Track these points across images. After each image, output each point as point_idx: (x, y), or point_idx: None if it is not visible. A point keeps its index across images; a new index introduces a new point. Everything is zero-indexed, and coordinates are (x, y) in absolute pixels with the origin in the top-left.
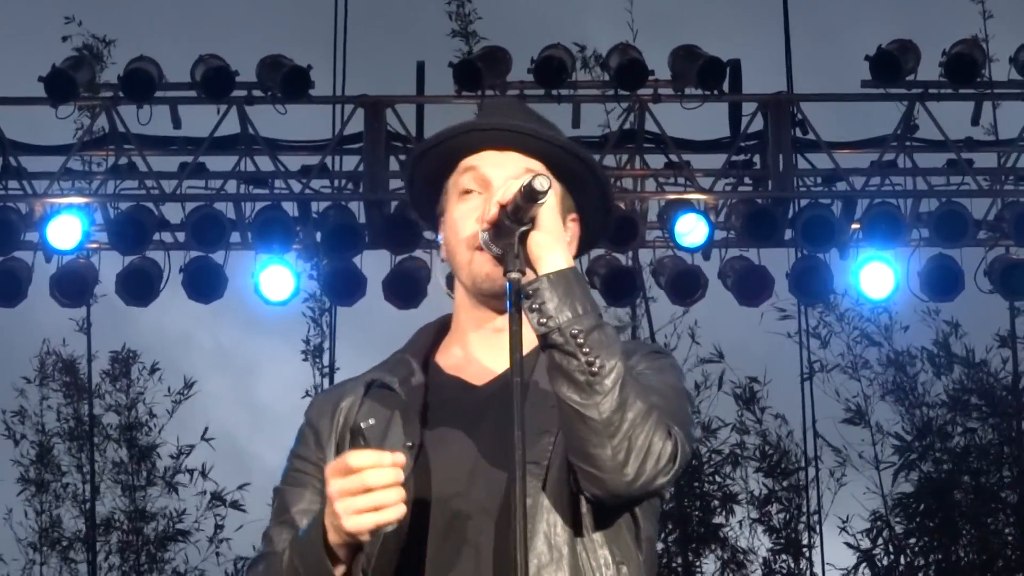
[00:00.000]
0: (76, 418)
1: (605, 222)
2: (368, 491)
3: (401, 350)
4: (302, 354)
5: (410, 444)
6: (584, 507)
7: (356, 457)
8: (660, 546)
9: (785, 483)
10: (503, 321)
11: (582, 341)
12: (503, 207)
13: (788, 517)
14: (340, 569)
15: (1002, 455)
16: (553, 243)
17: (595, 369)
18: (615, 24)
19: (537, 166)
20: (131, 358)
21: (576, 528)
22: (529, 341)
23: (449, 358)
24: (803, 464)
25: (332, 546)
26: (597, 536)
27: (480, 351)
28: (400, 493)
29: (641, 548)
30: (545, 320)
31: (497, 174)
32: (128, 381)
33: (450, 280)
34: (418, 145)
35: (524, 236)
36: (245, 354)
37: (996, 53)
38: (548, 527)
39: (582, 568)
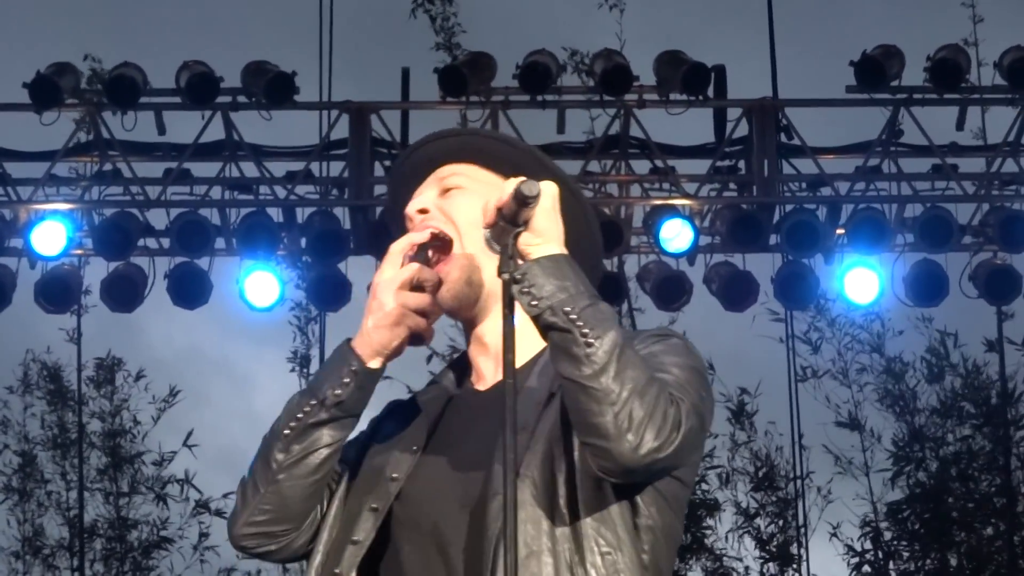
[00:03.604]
0: (60, 426)
1: (573, 210)
2: (419, 287)
3: (445, 367)
4: (289, 363)
5: (415, 448)
6: (563, 500)
7: (397, 243)
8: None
9: (775, 496)
10: (484, 333)
11: (575, 316)
12: (499, 210)
13: (776, 529)
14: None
15: (994, 461)
16: (543, 242)
17: (591, 340)
18: (602, 31)
19: (472, 168)
20: (116, 365)
21: (553, 521)
22: (528, 349)
23: (471, 369)
24: (792, 476)
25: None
26: (580, 526)
27: (481, 361)
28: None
29: (640, 536)
30: (536, 302)
31: (423, 190)
32: (112, 388)
33: None
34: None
35: (518, 237)
36: (242, 363)
37: (986, 57)
38: (520, 523)
39: (561, 562)
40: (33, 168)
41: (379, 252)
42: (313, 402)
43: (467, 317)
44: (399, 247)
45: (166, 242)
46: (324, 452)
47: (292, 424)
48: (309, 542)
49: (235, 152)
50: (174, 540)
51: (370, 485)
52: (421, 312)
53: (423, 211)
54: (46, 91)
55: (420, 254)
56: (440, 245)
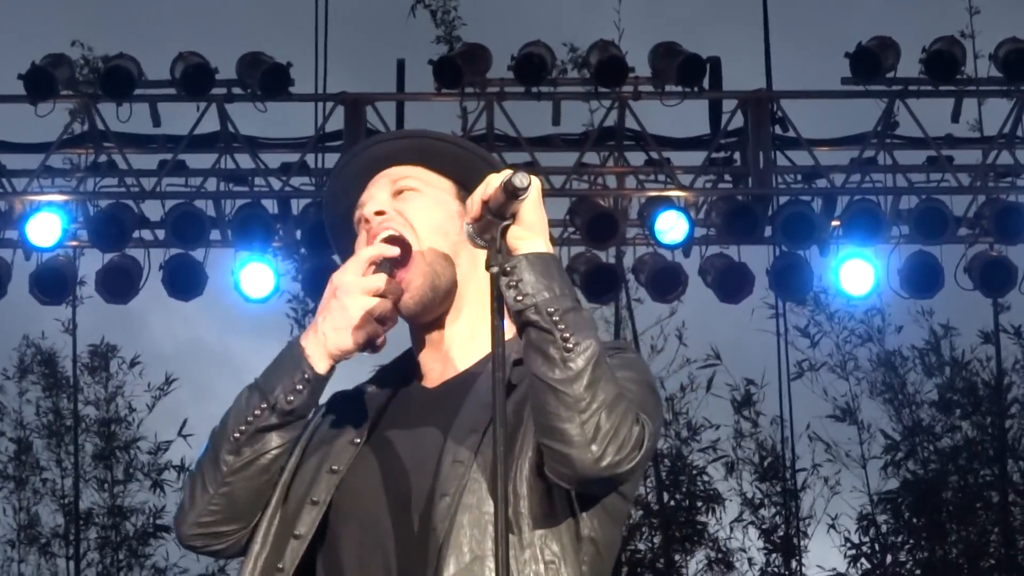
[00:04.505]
0: (55, 412)
1: None
2: (383, 295)
3: (394, 359)
4: None
5: (356, 441)
6: (510, 504)
7: (367, 250)
8: (644, 546)
9: (779, 487)
10: (431, 335)
11: (558, 319)
12: (485, 203)
13: (781, 520)
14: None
15: (987, 453)
16: (532, 235)
17: (570, 346)
18: (599, 23)
19: (416, 169)
20: (110, 352)
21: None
22: (478, 349)
23: (416, 368)
24: (791, 468)
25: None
26: (526, 534)
27: (430, 358)
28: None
29: (581, 547)
30: (522, 297)
31: (372, 193)
32: (107, 374)
33: None
34: (325, 189)
35: (506, 231)
36: (243, 355)
37: (982, 49)
38: (467, 527)
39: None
40: (28, 160)
41: None
42: (264, 406)
43: (425, 321)
44: (368, 254)
45: (161, 233)
46: (274, 453)
47: (242, 427)
48: None
49: (230, 144)
50: (171, 529)
51: (311, 477)
52: (382, 319)
53: (380, 213)
54: (41, 83)
55: (384, 265)
56: (402, 254)
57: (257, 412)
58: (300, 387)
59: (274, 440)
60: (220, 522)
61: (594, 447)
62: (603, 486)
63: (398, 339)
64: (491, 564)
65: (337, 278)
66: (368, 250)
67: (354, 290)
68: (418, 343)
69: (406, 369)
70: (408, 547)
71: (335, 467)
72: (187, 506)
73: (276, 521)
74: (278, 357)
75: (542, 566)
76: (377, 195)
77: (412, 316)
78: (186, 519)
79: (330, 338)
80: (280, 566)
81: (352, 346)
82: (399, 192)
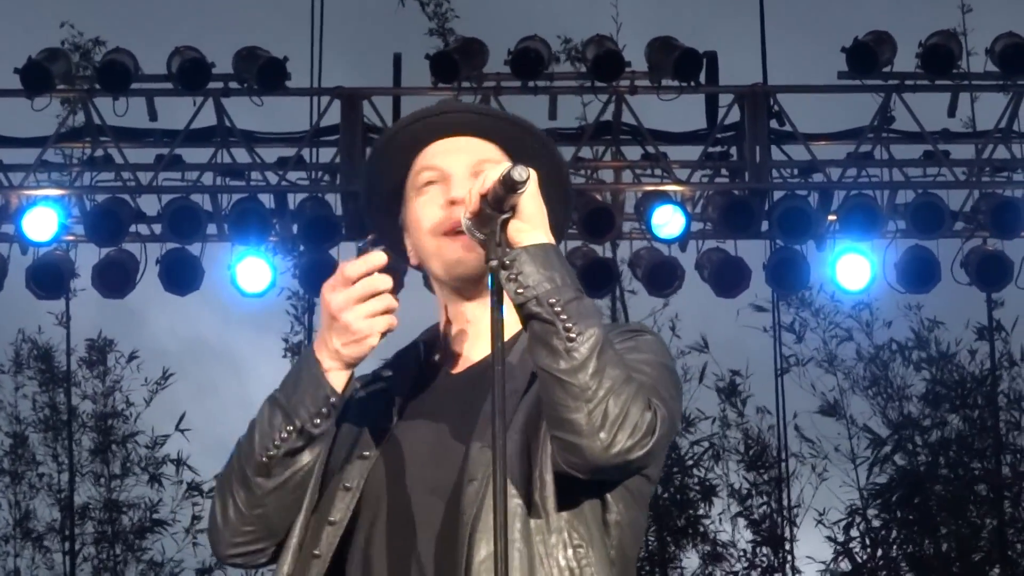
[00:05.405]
0: (51, 407)
1: (565, 198)
2: (376, 295)
3: (412, 342)
4: (283, 351)
5: (386, 427)
6: (537, 489)
7: (351, 267)
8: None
9: (766, 476)
10: (473, 312)
11: (559, 309)
12: (484, 196)
13: (768, 511)
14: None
15: (974, 447)
16: (532, 229)
17: (573, 335)
18: (597, 18)
19: (491, 148)
20: (107, 346)
21: (529, 512)
22: (511, 331)
23: (438, 350)
24: (781, 458)
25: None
26: (553, 519)
27: (458, 342)
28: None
29: (609, 532)
30: (523, 290)
31: (452, 161)
32: (104, 369)
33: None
34: (373, 147)
35: (505, 224)
36: (245, 352)
37: (975, 47)
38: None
39: (534, 552)
40: (24, 154)
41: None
42: (291, 428)
43: (469, 297)
44: (351, 272)
45: (158, 228)
46: (307, 467)
47: (271, 452)
48: None
49: (227, 138)
50: (168, 523)
51: (343, 463)
52: (387, 310)
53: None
54: (38, 77)
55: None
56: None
57: (284, 435)
58: (325, 410)
59: (305, 457)
60: (258, 540)
61: (603, 434)
62: (617, 473)
63: (408, 320)
64: (521, 547)
65: (328, 297)
66: (351, 267)
67: (347, 304)
68: (457, 317)
69: (426, 352)
70: (438, 533)
71: (366, 453)
72: (220, 525)
73: (310, 509)
74: (297, 372)
75: (571, 550)
76: (457, 172)
77: (464, 279)
78: (221, 539)
79: (343, 352)
80: (316, 552)
81: (368, 350)
82: (477, 174)
